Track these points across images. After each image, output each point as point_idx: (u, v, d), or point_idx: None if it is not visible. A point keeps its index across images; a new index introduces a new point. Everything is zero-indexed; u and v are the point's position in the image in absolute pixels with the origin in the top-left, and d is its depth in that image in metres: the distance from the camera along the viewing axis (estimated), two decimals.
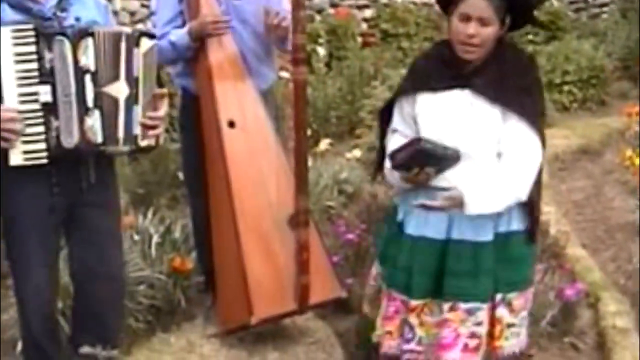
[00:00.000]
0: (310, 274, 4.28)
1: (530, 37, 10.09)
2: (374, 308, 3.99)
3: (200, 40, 4.42)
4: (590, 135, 8.48)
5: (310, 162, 4.97)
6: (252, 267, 4.25)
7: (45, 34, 3.50)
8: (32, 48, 3.48)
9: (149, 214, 5.32)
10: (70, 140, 3.55)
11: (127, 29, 3.71)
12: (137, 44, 3.63)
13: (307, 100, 4.28)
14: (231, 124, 4.39)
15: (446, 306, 3.65)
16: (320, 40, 8.58)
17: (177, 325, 4.71)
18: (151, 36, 3.77)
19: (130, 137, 3.66)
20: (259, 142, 4.43)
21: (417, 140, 3.51)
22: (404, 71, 6.24)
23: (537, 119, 3.61)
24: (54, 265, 3.90)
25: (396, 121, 3.79)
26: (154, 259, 4.84)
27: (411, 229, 3.71)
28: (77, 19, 3.66)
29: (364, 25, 9.72)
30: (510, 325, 3.74)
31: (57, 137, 3.53)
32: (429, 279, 3.67)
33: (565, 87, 9.42)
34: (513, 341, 3.77)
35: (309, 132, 6.13)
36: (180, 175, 5.72)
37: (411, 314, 3.70)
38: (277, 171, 4.39)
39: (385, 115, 3.86)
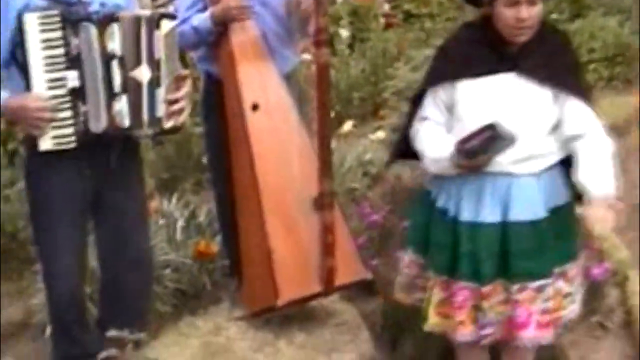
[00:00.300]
0: (335, 256, 4.27)
1: (554, 15, 10.01)
2: (409, 295, 3.97)
3: (222, 25, 4.41)
4: (616, 114, 8.38)
5: (334, 144, 4.96)
6: (277, 249, 4.25)
7: (71, 20, 3.52)
8: (59, 34, 3.51)
9: (174, 199, 5.34)
10: (99, 125, 3.58)
11: (147, 12, 3.73)
12: (158, 26, 3.64)
13: (330, 82, 4.26)
14: (254, 107, 4.39)
15: (515, 287, 3.64)
16: (343, 22, 8.53)
17: (204, 309, 4.73)
18: (171, 17, 3.78)
19: (154, 120, 3.68)
20: (282, 125, 4.43)
21: (491, 127, 3.47)
22: (427, 52, 6.25)
23: (590, 97, 3.61)
24: (81, 250, 3.93)
25: (429, 109, 3.73)
26: (179, 243, 4.86)
27: (466, 215, 3.66)
28: (102, 4, 3.68)
29: (386, 6, 9.64)
30: (567, 295, 3.77)
31: (85, 122, 3.57)
32: (495, 263, 3.64)
33: (591, 66, 9.32)
34: (570, 308, 3.81)
35: (332, 114, 6.12)
36: (204, 159, 5.73)
37: (484, 299, 3.67)
38: (301, 154, 4.38)
39: (416, 103, 3.81)
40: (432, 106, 3.71)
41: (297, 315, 4.55)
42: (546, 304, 3.68)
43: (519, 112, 3.55)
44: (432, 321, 3.81)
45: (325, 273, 4.28)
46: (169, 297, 4.59)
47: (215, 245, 4.88)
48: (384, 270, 4.65)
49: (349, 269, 4.41)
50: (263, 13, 4.49)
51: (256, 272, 4.36)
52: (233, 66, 4.39)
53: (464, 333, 3.73)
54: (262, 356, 4.37)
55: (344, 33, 8.33)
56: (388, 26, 9.16)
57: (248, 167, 4.35)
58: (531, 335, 3.68)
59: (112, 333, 3.72)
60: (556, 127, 3.63)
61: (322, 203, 4.22)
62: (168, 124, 3.73)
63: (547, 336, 3.73)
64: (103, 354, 3.82)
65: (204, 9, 4.44)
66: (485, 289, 3.65)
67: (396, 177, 5.87)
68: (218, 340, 4.47)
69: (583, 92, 3.62)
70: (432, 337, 4.07)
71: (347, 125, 7.00)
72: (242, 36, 4.44)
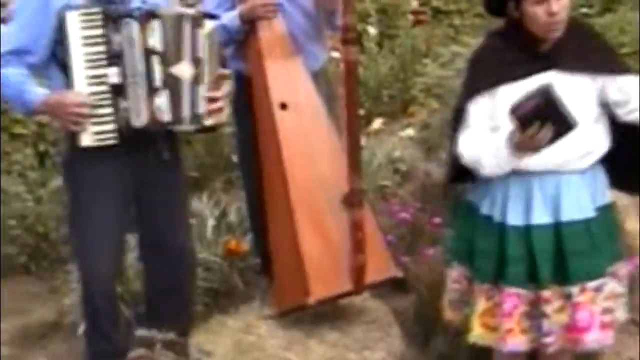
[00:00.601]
0: (366, 254, 4.26)
1: (584, 9, 9.95)
2: (461, 312, 3.89)
3: (250, 23, 4.42)
4: None
5: (363, 141, 4.96)
6: (307, 247, 4.25)
7: (112, 17, 3.56)
8: (100, 31, 3.55)
9: (204, 197, 5.35)
10: (140, 120, 3.62)
11: (191, 10, 3.76)
12: (200, 25, 3.67)
13: (358, 80, 4.26)
14: (283, 106, 4.40)
15: (575, 289, 3.55)
16: (371, 20, 8.52)
17: (234, 307, 4.73)
18: (213, 17, 3.81)
19: (195, 117, 3.71)
20: (311, 123, 4.43)
21: (546, 88, 3.38)
22: (456, 48, 6.23)
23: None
24: (119, 248, 3.96)
25: (472, 120, 3.64)
26: (210, 242, 4.86)
27: (514, 219, 3.61)
28: (143, 1, 3.71)
29: (415, 3, 9.63)
30: (620, 295, 3.70)
31: (126, 117, 3.60)
32: (551, 266, 3.60)
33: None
34: (622, 308, 3.73)
35: (361, 111, 6.11)
36: (235, 158, 5.74)
37: (545, 304, 3.61)
38: (330, 151, 4.38)
39: (457, 120, 3.75)
40: (475, 117, 3.62)
41: (327, 313, 4.55)
42: (607, 302, 3.60)
43: None
44: (477, 332, 3.71)
45: (355, 271, 4.27)
46: (200, 295, 4.59)
47: (246, 244, 4.89)
48: (414, 268, 4.63)
49: (380, 266, 4.40)
50: (291, 10, 4.49)
51: (287, 270, 4.37)
52: (261, 64, 4.40)
53: (516, 343, 3.63)
54: (293, 354, 4.36)
55: (372, 30, 8.32)
56: (416, 23, 9.14)
57: (277, 165, 4.35)
58: (595, 337, 3.58)
59: (140, 332, 3.73)
60: (598, 120, 3.59)
61: (351, 201, 4.22)
62: (208, 121, 3.76)
63: (610, 337, 3.63)
64: (133, 354, 3.83)
65: (232, 7, 4.45)
66: (545, 294, 3.59)
67: (426, 174, 5.86)
68: (249, 339, 4.47)
69: (628, 67, 3.59)
70: (464, 335, 4.04)
71: (377, 123, 7.00)
72: (270, 34, 4.44)
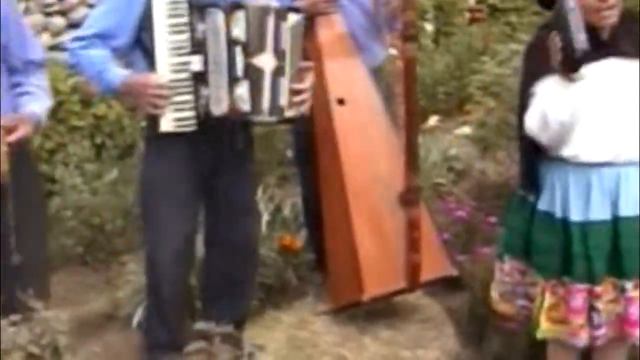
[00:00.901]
0: (421, 252, 4.25)
1: None
2: (513, 304, 3.87)
3: (309, 19, 4.41)
4: None
5: (419, 139, 4.93)
6: (363, 244, 4.25)
7: (198, 6, 3.61)
8: (185, 19, 3.60)
9: (259, 192, 5.35)
10: (220, 108, 3.65)
11: (275, 3, 3.78)
12: (285, 18, 3.70)
13: (416, 77, 4.24)
14: (341, 102, 4.39)
15: (629, 285, 3.51)
16: (428, 16, 8.49)
17: (288, 303, 4.74)
18: (297, 11, 3.83)
19: (276, 108, 3.73)
20: (368, 120, 4.42)
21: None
22: (513, 46, 6.18)
23: None
24: (190, 237, 3.99)
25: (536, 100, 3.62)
26: (264, 237, 4.86)
27: (576, 214, 3.58)
28: None
29: (472, 1, 9.58)
30: None
31: (207, 105, 3.64)
32: (606, 261, 3.57)
33: None
34: None
35: None
36: (289, 153, 5.74)
37: (597, 300, 3.59)
38: (387, 148, 4.37)
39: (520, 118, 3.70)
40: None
41: (382, 311, 4.54)
42: None
43: (624, 97, 3.47)
44: (544, 327, 3.68)
45: (410, 269, 4.25)
46: (254, 290, 4.60)
47: (300, 240, 4.88)
48: (469, 266, 4.60)
49: (435, 264, 4.39)
50: (350, 7, 4.49)
51: (341, 267, 4.36)
52: (319, 60, 4.39)
53: (582, 337, 3.63)
54: (347, 351, 4.36)
55: (429, 27, 8.29)
56: (473, 21, 9.10)
57: (334, 161, 4.35)
58: None
59: (199, 326, 3.73)
60: None
61: (408, 199, 4.21)
62: (289, 113, 3.78)
63: None
64: (191, 347, 3.84)
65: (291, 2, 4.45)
66: (598, 288, 3.56)
67: (481, 173, 5.83)
68: (303, 335, 4.48)
69: None
70: (519, 334, 4.02)
71: (432, 120, 6.97)
72: (329, 30, 4.44)
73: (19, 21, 3.78)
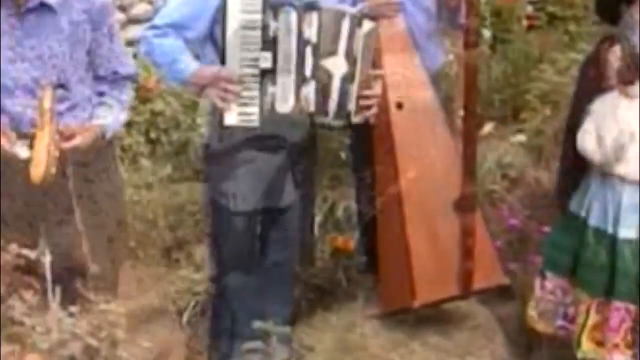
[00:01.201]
0: (474, 260, 4.23)
1: None
2: (552, 323, 3.84)
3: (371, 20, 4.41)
4: None
5: None
6: (416, 250, 4.23)
7: (272, 5, 3.64)
8: (258, 16, 3.62)
9: None
10: (285, 106, 3.68)
11: (352, 10, 3.85)
12: (360, 24, 3.71)
13: (477, 84, 4.23)
14: (399, 105, 4.37)
15: None
16: (485, 23, 8.44)
17: (338, 305, 4.73)
18: (373, 19, 3.85)
19: (343, 112, 3.75)
20: (426, 124, 4.40)
21: None
22: (573, 55, 6.13)
23: None
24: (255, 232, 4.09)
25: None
26: (317, 239, 4.87)
27: (627, 232, 3.55)
28: None
29: (530, 8, 9.52)
30: None
31: (272, 102, 3.66)
32: None
33: None
34: None
35: None
36: (342, 155, 5.73)
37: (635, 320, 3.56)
38: (445, 154, 4.35)
39: (571, 130, 3.68)
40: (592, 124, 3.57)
41: (431, 317, 4.52)
42: None
43: None
44: (586, 347, 3.67)
45: (463, 276, 4.24)
46: (304, 291, 4.61)
47: (353, 242, 4.87)
48: (521, 275, 4.57)
49: (487, 273, 4.36)
50: (412, 10, 4.47)
51: (394, 271, 4.35)
52: (379, 63, 4.38)
53: (620, 358, 3.60)
54: (396, 356, 4.35)
55: (486, 33, 8.24)
56: (530, 28, 9.04)
57: (390, 164, 4.33)
58: None
59: (257, 325, 3.75)
60: None
61: (464, 206, 4.19)
62: (356, 119, 3.80)
63: None
64: (249, 345, 3.87)
65: (353, 4, 4.44)
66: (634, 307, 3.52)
67: (536, 181, 5.79)
68: (352, 337, 4.46)
69: None
70: (568, 346, 3.99)
71: (487, 127, 6.92)
72: (390, 32, 4.42)
73: (111, 31, 3.82)
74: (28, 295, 3.03)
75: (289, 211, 4.04)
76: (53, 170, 3.42)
